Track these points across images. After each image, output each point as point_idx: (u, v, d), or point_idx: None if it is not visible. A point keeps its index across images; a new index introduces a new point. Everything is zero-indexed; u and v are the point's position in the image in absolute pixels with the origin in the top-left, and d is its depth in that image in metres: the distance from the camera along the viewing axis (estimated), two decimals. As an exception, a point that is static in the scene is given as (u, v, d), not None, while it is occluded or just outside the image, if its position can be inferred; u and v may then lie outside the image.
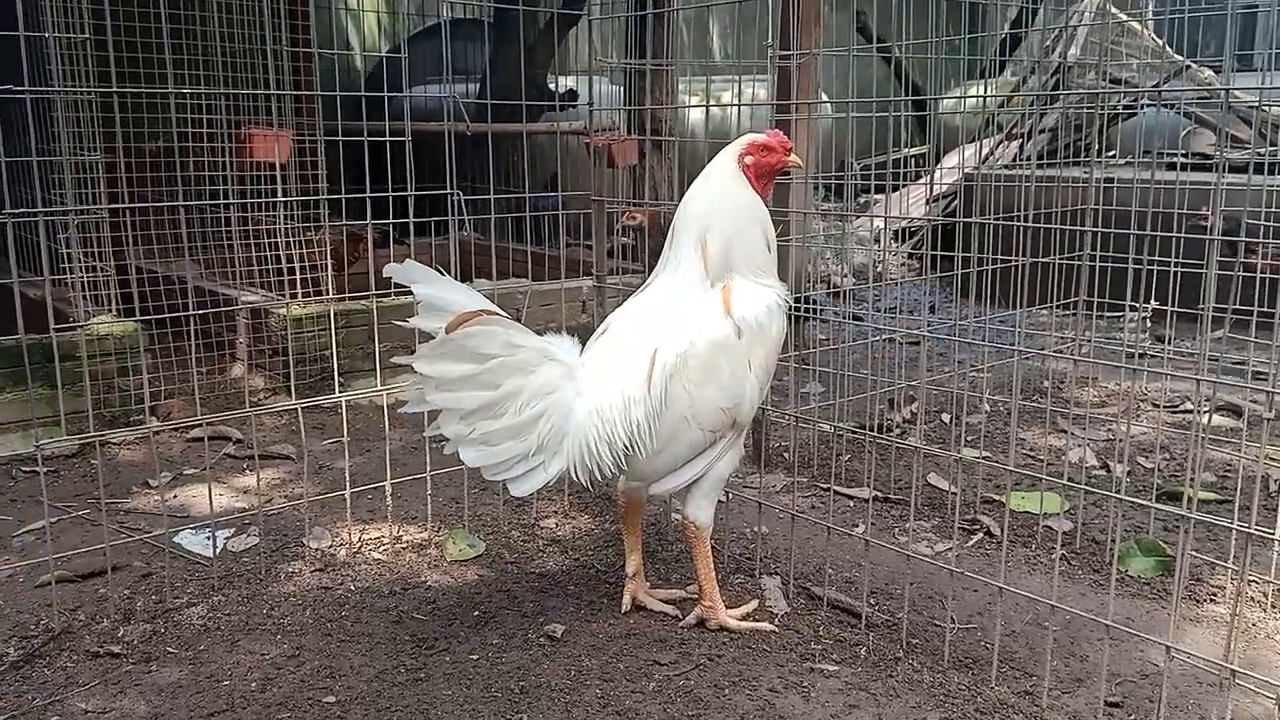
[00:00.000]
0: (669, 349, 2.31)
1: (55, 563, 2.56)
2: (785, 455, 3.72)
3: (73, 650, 2.40)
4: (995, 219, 3.49)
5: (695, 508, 2.44)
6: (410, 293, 2.24)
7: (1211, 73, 6.55)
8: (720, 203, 2.39)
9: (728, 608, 2.52)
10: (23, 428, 3.68)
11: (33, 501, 3.20)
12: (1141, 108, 5.82)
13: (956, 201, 6.52)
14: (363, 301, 4.16)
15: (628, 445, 2.30)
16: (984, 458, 3.48)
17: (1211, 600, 2.65)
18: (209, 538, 2.93)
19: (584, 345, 2.47)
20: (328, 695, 2.21)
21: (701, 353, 2.31)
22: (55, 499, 3.25)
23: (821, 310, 4.69)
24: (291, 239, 4.53)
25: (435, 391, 2.21)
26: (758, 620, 2.52)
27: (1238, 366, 3.82)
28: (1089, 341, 3.95)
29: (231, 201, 3.96)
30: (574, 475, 2.32)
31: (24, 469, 3.56)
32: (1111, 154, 5.80)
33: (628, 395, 2.31)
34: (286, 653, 2.39)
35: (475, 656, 2.37)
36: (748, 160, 2.40)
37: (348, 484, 2.89)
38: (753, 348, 2.35)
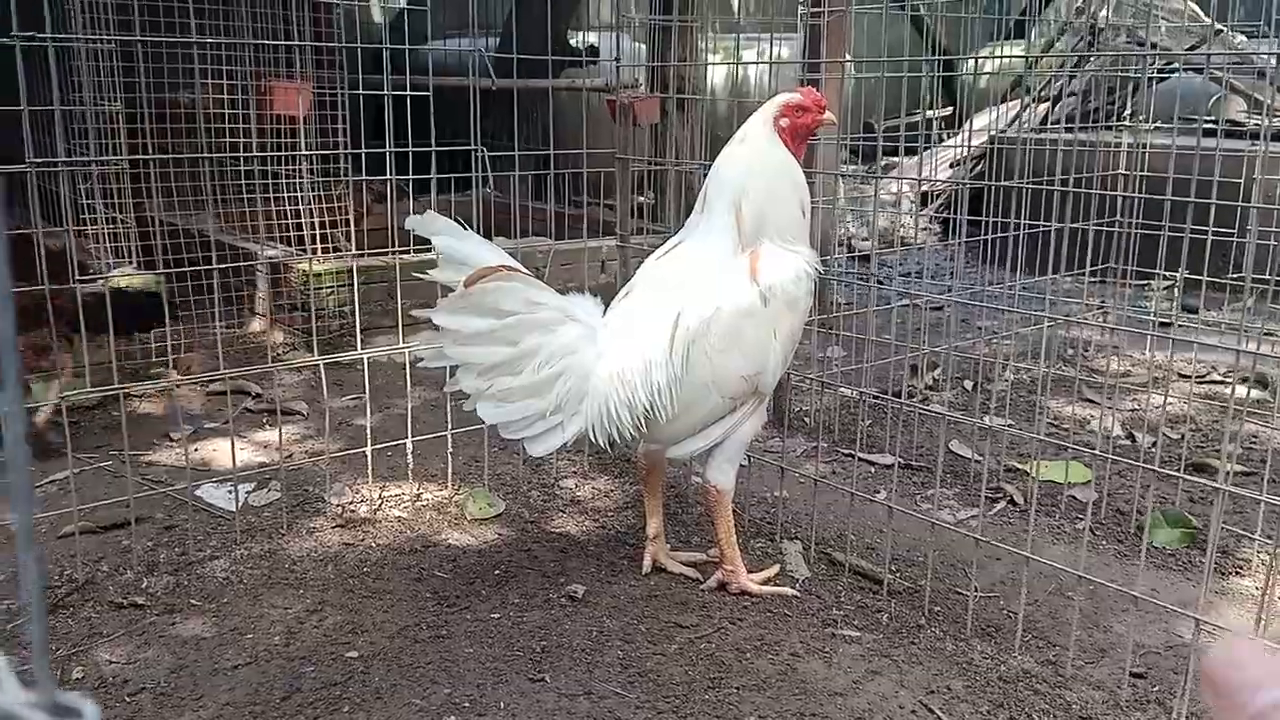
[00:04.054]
0: (693, 314, 2.28)
1: (78, 514, 2.57)
2: (807, 420, 3.70)
3: (96, 601, 2.41)
4: (1024, 183, 3.43)
5: (716, 471, 2.43)
6: (430, 248, 2.22)
7: (1244, 38, 6.41)
8: (755, 166, 2.33)
9: (749, 572, 2.51)
10: (44, 378, 3.68)
11: (54, 452, 3.21)
12: (1178, 73, 5.71)
13: (984, 165, 6.43)
14: (383, 257, 4.13)
15: (648, 409, 2.28)
16: (1008, 425, 3.45)
17: (1237, 573, 2.63)
18: (230, 492, 2.93)
19: (606, 305, 2.44)
20: (350, 650, 2.22)
21: (726, 320, 2.27)
22: (77, 450, 3.25)
23: (843, 274, 4.65)
24: (312, 193, 4.50)
25: (453, 345, 2.21)
26: (779, 585, 2.51)
27: (1268, 336, 3.77)
28: (1119, 310, 3.90)
29: (253, 155, 3.92)
30: (592, 437, 2.31)
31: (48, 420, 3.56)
32: (1142, 119, 5.70)
33: (649, 359, 2.28)
34: (309, 607, 2.40)
35: (497, 615, 2.37)
36: (783, 123, 2.34)
37: (369, 441, 2.89)
38: (779, 316, 2.31)
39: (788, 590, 2.49)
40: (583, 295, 2.41)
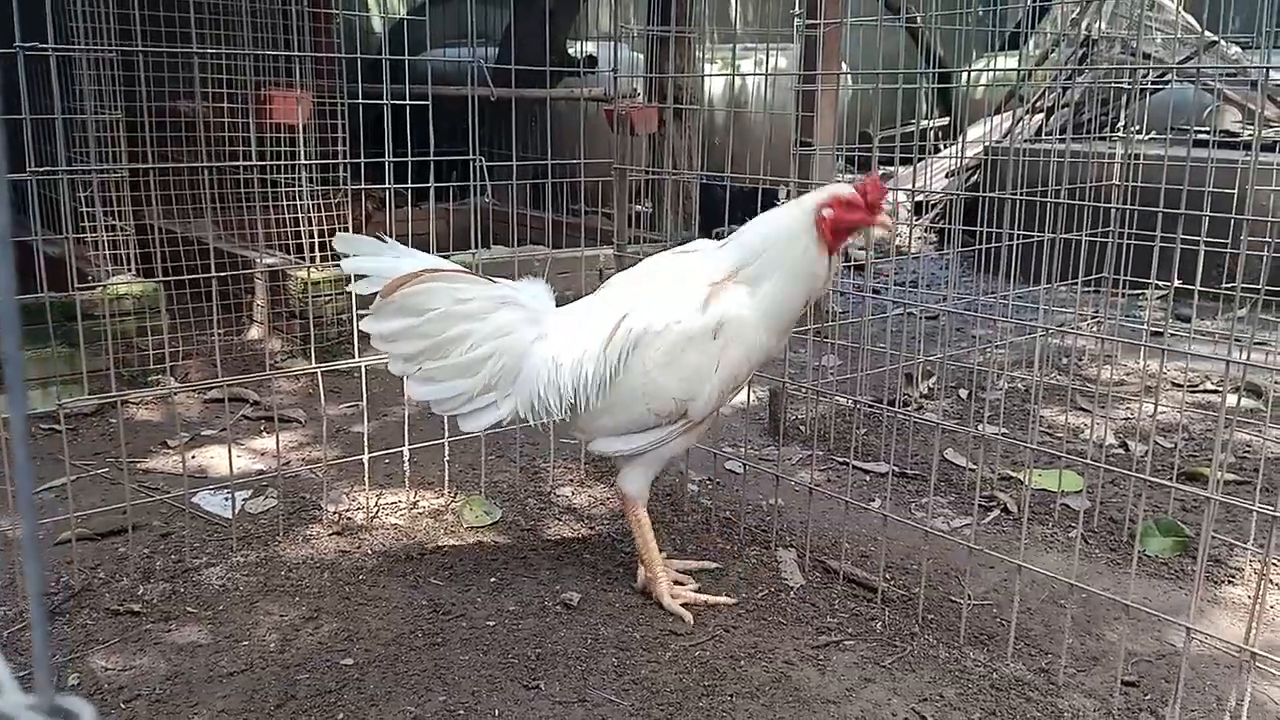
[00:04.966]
0: (640, 319, 2.30)
1: (75, 520, 2.58)
2: (802, 428, 3.71)
3: (92, 608, 2.42)
4: (1018, 194, 3.45)
5: (627, 478, 2.44)
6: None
7: (1239, 49, 6.45)
8: (775, 251, 2.28)
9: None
10: (42, 386, 3.70)
11: (52, 459, 3.22)
12: (1171, 84, 5.74)
13: (979, 175, 6.46)
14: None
15: (573, 396, 2.32)
16: (1002, 434, 3.47)
17: (1230, 582, 2.64)
18: (227, 499, 2.95)
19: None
20: (345, 658, 2.23)
21: (671, 339, 2.27)
22: (74, 457, 3.26)
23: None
24: (310, 202, 4.52)
25: (380, 342, 2.35)
26: (718, 595, 2.50)
27: (1261, 346, 3.79)
28: (1112, 319, 3.92)
29: (252, 164, 3.94)
30: (523, 416, 2.37)
31: (43, 427, 3.57)
32: (1136, 129, 5.74)
33: (584, 349, 2.33)
34: (304, 614, 2.41)
35: (492, 623, 2.38)
36: (825, 213, 2.26)
37: (365, 448, 2.90)
38: (726, 350, 2.27)
39: (725, 599, 2.47)
40: (533, 281, 2.47)
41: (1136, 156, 3.87)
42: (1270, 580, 2.62)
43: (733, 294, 2.28)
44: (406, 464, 3.00)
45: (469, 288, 2.33)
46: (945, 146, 7.40)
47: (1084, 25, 6.46)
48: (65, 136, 3.55)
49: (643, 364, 2.29)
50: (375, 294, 2.33)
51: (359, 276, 2.35)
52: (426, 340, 2.32)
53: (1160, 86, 6.09)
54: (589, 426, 2.40)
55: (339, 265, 4.34)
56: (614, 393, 2.31)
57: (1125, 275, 3.66)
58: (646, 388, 2.30)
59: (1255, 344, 2.76)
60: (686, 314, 2.28)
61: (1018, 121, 6.45)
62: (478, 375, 2.33)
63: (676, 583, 2.52)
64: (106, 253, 3.96)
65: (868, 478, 3.29)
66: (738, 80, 6.56)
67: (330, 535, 2.81)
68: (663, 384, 2.30)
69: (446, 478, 3.06)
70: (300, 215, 4.54)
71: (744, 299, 2.28)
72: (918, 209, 7.24)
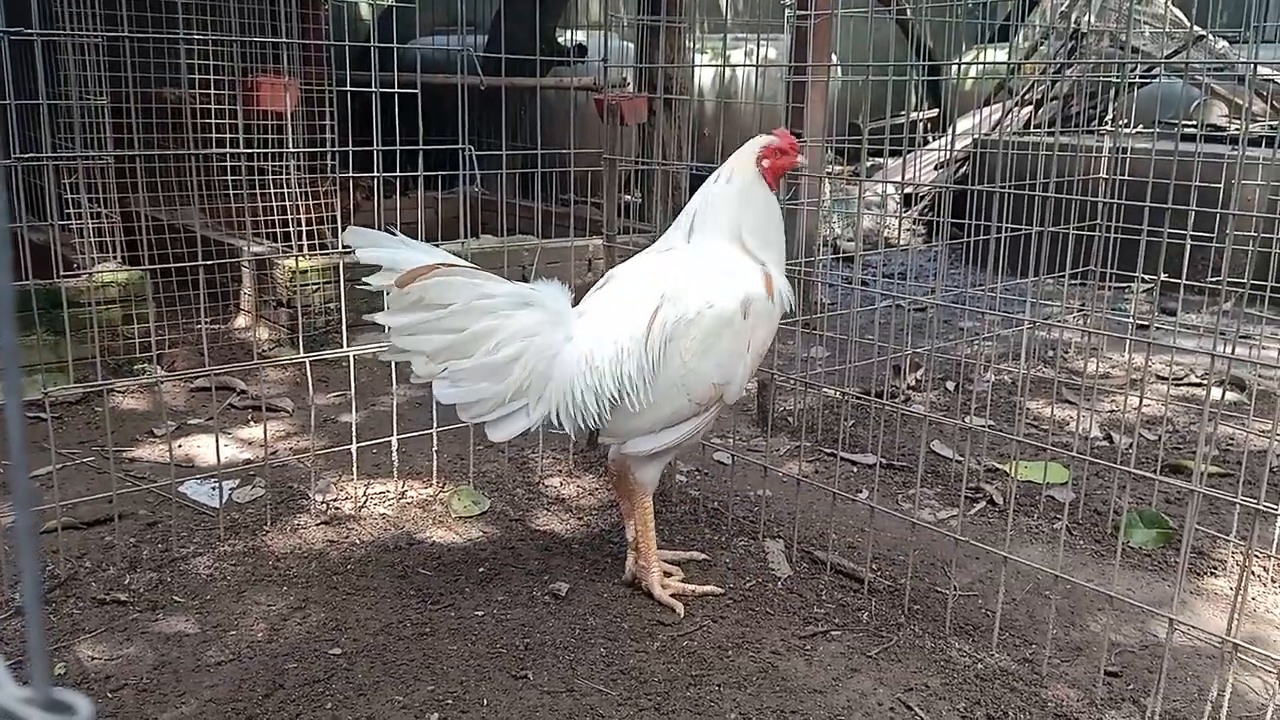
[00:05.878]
0: (672, 310, 2.28)
1: (61, 510, 2.57)
2: (790, 420, 3.72)
3: (79, 597, 2.41)
4: (1006, 187, 3.46)
5: (644, 468, 2.41)
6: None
7: (1226, 43, 6.47)
8: (745, 201, 2.40)
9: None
10: (27, 373, 3.67)
11: (37, 448, 3.20)
12: (1159, 78, 5.76)
13: (968, 168, 6.47)
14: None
15: (615, 397, 2.27)
16: (989, 426, 3.49)
17: (1212, 574, 2.67)
18: (214, 488, 2.94)
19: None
20: (334, 647, 2.23)
21: (707, 325, 2.27)
22: (60, 446, 3.24)
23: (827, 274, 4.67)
24: (298, 190, 4.49)
25: (398, 337, 2.22)
26: (706, 584, 2.51)
27: (1245, 340, 3.82)
28: (1098, 312, 3.94)
29: (239, 151, 3.91)
30: (556, 422, 2.29)
31: (28, 415, 3.55)
32: (1124, 123, 5.77)
33: (622, 346, 2.27)
34: (292, 604, 2.40)
35: (480, 613, 2.38)
36: (765, 164, 2.40)
37: (354, 438, 2.89)
38: (755, 329, 2.34)
39: (715, 589, 2.48)
40: (547, 283, 2.39)
41: (1124, 150, 3.88)
42: (1252, 572, 2.64)
43: (750, 271, 2.35)
44: (395, 454, 3.00)
45: (489, 284, 2.25)
46: (934, 139, 7.41)
47: (1073, 18, 6.47)
48: (50, 122, 3.52)
49: (680, 354, 2.27)
50: (388, 288, 2.22)
51: (373, 269, 2.24)
52: (448, 336, 2.21)
53: (1148, 80, 6.11)
54: (624, 428, 2.33)
55: (327, 254, 4.32)
56: (654, 388, 2.28)
57: (1112, 269, 3.68)
58: (686, 378, 2.28)
59: (1240, 338, 2.77)
60: (717, 296, 2.29)
61: (1006, 114, 6.46)
62: (508, 379, 2.23)
63: (665, 573, 2.52)
64: (92, 240, 3.93)
65: (855, 469, 3.30)
66: (728, 71, 6.55)
67: (318, 525, 2.81)
68: (702, 371, 2.29)
69: (435, 467, 3.06)
70: (288, 203, 4.51)
71: (758, 272, 2.36)
72: (906, 201, 7.25)
